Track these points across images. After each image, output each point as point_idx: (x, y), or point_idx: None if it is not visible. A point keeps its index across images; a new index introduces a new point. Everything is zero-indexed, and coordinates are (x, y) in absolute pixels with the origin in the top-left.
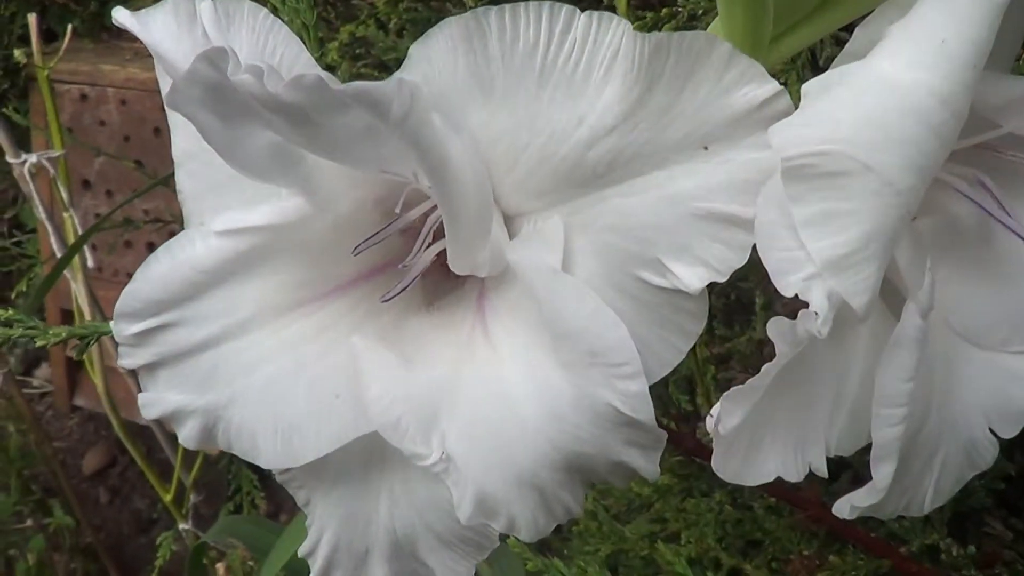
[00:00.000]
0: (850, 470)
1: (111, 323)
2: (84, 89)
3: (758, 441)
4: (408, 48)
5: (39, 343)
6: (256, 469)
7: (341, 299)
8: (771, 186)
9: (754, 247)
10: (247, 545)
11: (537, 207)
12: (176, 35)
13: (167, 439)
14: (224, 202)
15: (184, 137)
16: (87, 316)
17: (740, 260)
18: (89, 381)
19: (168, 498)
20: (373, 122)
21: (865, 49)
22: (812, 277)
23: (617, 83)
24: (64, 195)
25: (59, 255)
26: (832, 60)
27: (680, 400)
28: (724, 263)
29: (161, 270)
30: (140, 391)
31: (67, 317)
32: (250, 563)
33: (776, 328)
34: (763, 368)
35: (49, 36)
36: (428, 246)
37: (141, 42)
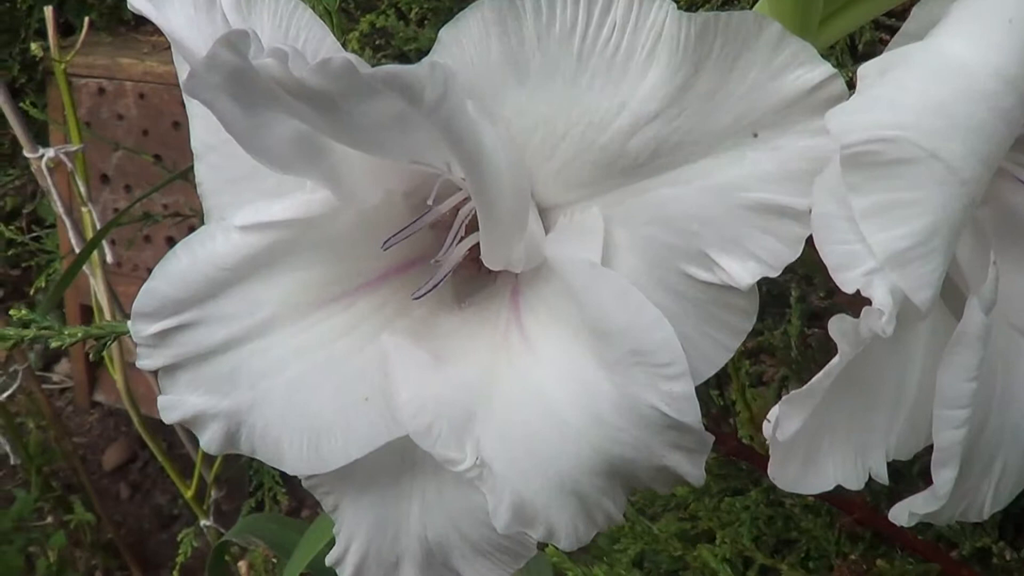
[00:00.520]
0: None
1: (128, 323)
2: (102, 83)
3: (816, 447)
4: (429, 38)
5: (53, 344)
6: None
7: (369, 296)
8: (827, 175)
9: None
10: (269, 544)
11: (575, 198)
12: (194, 19)
13: (188, 435)
14: (246, 196)
15: (203, 128)
16: (106, 312)
17: (793, 254)
18: (109, 377)
19: (189, 494)
20: (404, 108)
21: (924, 29)
22: (874, 272)
23: (661, 67)
24: (82, 190)
25: (78, 250)
26: (871, 45)
27: (714, 397)
28: (776, 257)
29: (180, 267)
30: (160, 391)
31: (87, 313)
32: (273, 560)
33: (838, 327)
34: (824, 369)
35: (66, 29)
36: (460, 240)
37: (159, 35)
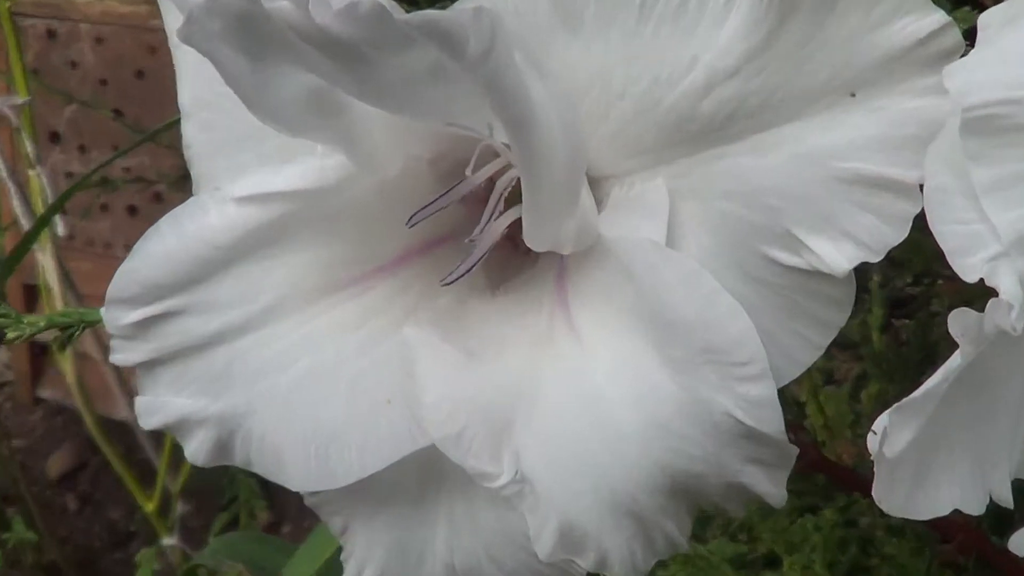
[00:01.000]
0: None
1: (103, 310)
2: (52, 24)
3: (930, 464)
4: None
5: (11, 335)
6: (255, 474)
7: (388, 280)
8: (942, 142)
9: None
10: (249, 566)
11: (635, 167)
12: None
13: (150, 437)
14: (245, 161)
15: (195, 81)
16: (56, 294)
17: (898, 235)
18: (56, 368)
19: (150, 507)
20: (443, 61)
21: None
22: (999, 257)
23: (741, 14)
24: (30, 149)
25: (23, 221)
26: None
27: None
28: (877, 238)
29: (165, 246)
30: (138, 390)
31: (30, 294)
32: None
33: (960, 322)
34: (939, 371)
35: None
36: (499, 215)
37: None
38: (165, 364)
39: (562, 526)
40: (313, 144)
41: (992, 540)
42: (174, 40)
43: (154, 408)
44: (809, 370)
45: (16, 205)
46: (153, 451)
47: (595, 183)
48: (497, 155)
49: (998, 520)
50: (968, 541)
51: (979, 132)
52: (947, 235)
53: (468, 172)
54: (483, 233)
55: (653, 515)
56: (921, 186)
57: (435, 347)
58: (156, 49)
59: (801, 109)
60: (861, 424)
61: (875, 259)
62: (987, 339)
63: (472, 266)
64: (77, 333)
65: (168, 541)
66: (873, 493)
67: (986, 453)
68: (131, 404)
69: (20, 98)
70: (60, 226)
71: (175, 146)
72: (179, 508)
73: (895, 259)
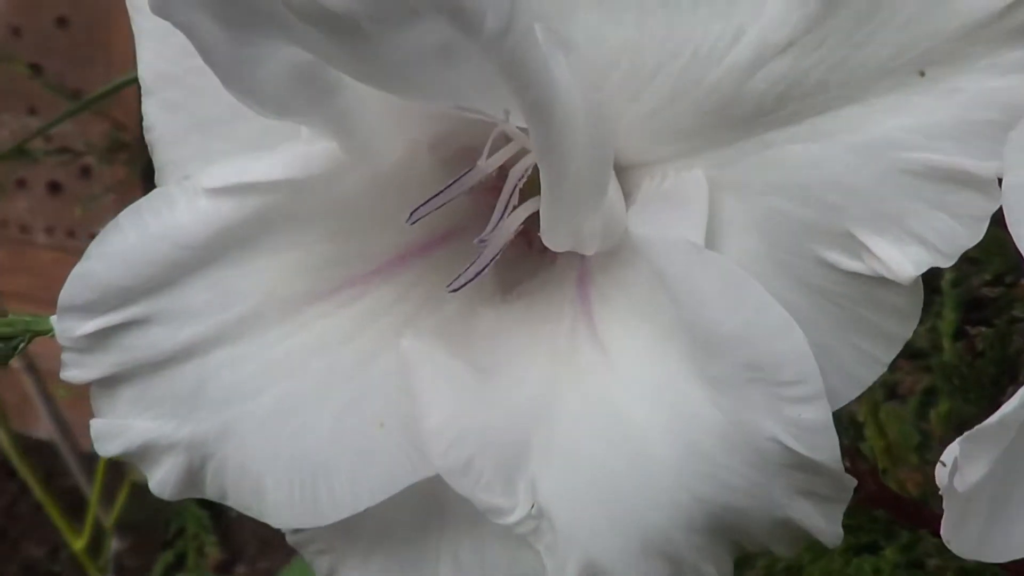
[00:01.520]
0: None
1: (53, 319)
2: None
3: (1006, 499)
4: None
5: None
6: (208, 503)
7: (384, 285)
8: (1023, 131)
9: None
10: None
11: (669, 155)
12: None
13: (78, 460)
14: (218, 147)
15: (158, 52)
16: None
17: (973, 237)
18: None
19: (79, 544)
20: (455, 38)
21: None
22: None
23: None
24: None
25: None
26: None
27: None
28: (949, 240)
29: (126, 245)
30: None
31: None
32: None
33: None
34: (1018, 395)
35: None
36: (513, 209)
37: None
38: (126, 381)
39: (585, 568)
40: (297, 128)
41: None
42: (134, 3)
43: (113, 432)
44: (869, 386)
45: None
46: (83, 476)
47: (623, 173)
48: (509, 139)
49: None
50: None
51: None
52: None
53: (481, 162)
54: (495, 231)
55: (689, 556)
56: (1000, 179)
57: (438, 362)
58: None
59: (862, 90)
60: (930, 448)
61: (946, 264)
62: None
63: (482, 269)
64: (23, 346)
65: None
66: (942, 533)
67: None
68: (55, 420)
69: None
70: None
71: (105, 111)
72: (113, 545)
73: (971, 256)
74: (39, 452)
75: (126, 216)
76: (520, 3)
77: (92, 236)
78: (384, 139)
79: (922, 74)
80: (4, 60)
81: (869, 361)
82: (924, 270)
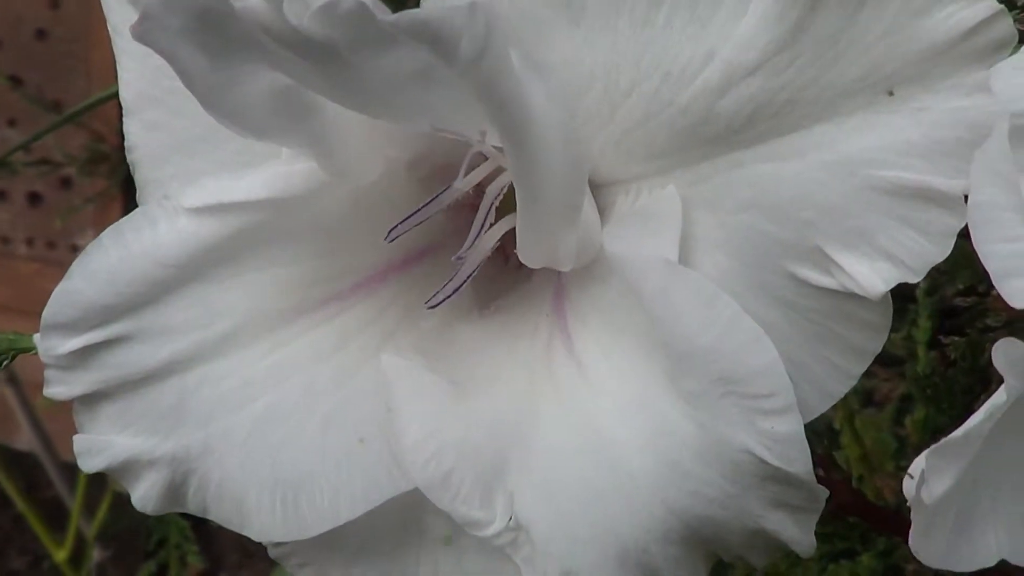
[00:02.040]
0: None
1: (36, 337)
2: None
3: (973, 509)
4: None
5: None
6: (188, 514)
7: (363, 302)
8: (990, 149)
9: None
10: None
11: (643, 173)
12: None
13: (59, 471)
14: (199, 166)
15: (139, 74)
16: None
17: (941, 252)
18: None
19: (61, 556)
20: (432, 64)
21: None
22: None
23: (765, 2)
24: None
25: None
26: None
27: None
28: (918, 256)
29: (108, 263)
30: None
31: None
32: None
33: (1005, 354)
34: (983, 408)
35: None
36: (490, 226)
37: None
38: (109, 398)
39: None
40: (278, 148)
41: None
42: (115, 26)
43: (96, 448)
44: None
45: None
46: (64, 487)
47: (598, 190)
48: (485, 158)
49: None
50: None
51: None
52: (993, 255)
53: (458, 183)
54: (472, 248)
55: (665, 567)
56: (967, 196)
57: (417, 377)
58: (60, 4)
59: (832, 109)
60: (906, 455)
61: (914, 279)
62: None
63: (460, 286)
64: (6, 363)
65: None
66: (910, 543)
67: None
68: (36, 431)
69: None
70: None
71: (85, 123)
72: (96, 555)
73: (942, 268)
74: (20, 463)
75: (108, 235)
76: (495, 29)
77: (72, 247)
78: (363, 159)
79: (890, 94)
80: None
81: (840, 375)
82: (893, 285)
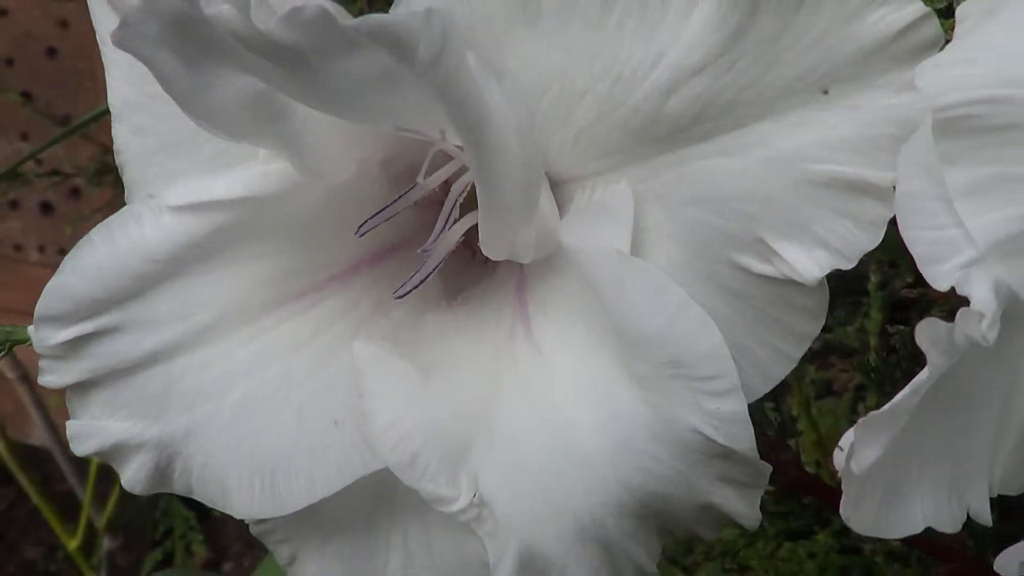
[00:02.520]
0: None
1: (31, 329)
2: None
3: (900, 480)
4: None
5: None
6: (193, 504)
7: (337, 293)
8: (916, 143)
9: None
10: None
11: (597, 170)
12: None
13: (72, 466)
14: (181, 166)
15: (125, 81)
16: None
17: (872, 241)
18: None
19: (73, 545)
20: (392, 66)
21: None
22: (973, 264)
23: (709, 7)
24: None
25: None
26: None
27: (768, 412)
28: (851, 245)
29: (97, 258)
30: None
31: None
32: None
33: (928, 332)
34: (910, 385)
35: None
36: (454, 223)
37: None
38: (99, 386)
39: (523, 552)
40: (255, 149)
41: (987, 563)
42: (103, 37)
43: (88, 433)
44: (800, 381)
45: None
46: (76, 480)
47: (557, 187)
48: (451, 158)
49: (1000, 543)
50: (965, 566)
51: (953, 133)
52: (918, 241)
53: (420, 179)
54: (437, 242)
55: (620, 540)
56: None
57: (387, 364)
58: (68, 23)
59: (771, 108)
60: None
61: (848, 266)
62: (959, 351)
63: (426, 277)
64: (2, 354)
65: None
66: (841, 511)
67: (962, 469)
68: (49, 428)
69: None
70: None
71: (93, 136)
72: (105, 544)
73: (893, 262)
74: (35, 458)
75: (98, 232)
76: (451, 33)
77: None
78: (335, 159)
79: (825, 92)
80: None
81: (781, 358)
82: (827, 272)
